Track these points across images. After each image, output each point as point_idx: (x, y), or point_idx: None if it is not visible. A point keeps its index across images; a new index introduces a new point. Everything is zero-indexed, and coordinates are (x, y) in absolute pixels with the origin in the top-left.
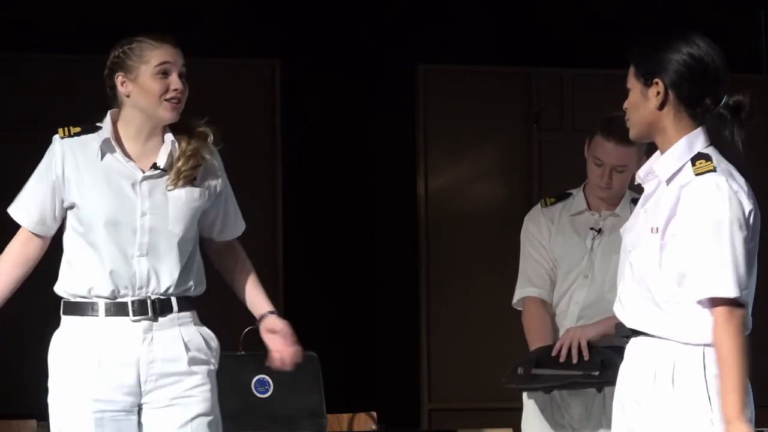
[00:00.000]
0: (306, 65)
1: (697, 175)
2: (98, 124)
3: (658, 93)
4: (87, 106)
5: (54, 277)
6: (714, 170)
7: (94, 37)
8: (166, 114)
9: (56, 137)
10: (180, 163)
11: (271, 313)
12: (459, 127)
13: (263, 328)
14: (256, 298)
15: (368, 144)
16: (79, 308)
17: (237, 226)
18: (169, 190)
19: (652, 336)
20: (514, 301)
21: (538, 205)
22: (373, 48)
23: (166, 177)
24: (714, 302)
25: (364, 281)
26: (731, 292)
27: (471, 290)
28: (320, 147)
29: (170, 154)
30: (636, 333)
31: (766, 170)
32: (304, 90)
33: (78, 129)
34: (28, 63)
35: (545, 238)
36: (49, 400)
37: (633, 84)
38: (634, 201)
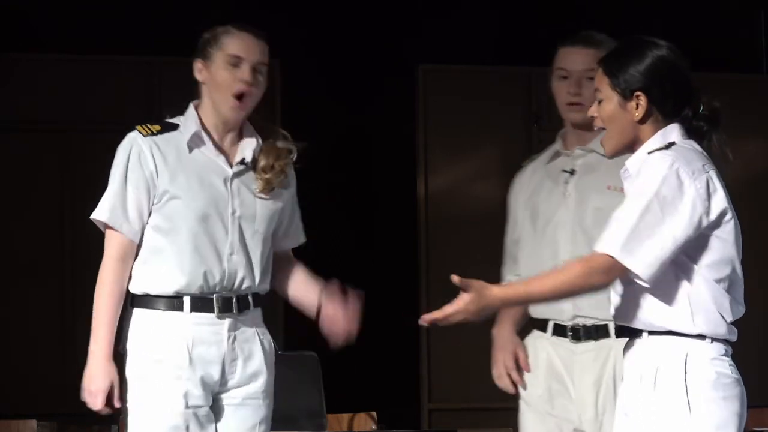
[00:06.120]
0: (306, 65)
1: (648, 154)
2: (174, 121)
3: (638, 106)
4: (87, 106)
5: (52, 275)
6: (665, 149)
7: (95, 37)
8: (229, 113)
9: (137, 135)
10: (270, 175)
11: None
12: (459, 127)
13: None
14: (312, 289)
15: (368, 144)
16: (161, 302)
17: (298, 237)
18: (256, 194)
19: (635, 328)
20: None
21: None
22: (373, 48)
23: (252, 174)
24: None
25: (364, 281)
26: (613, 251)
27: None
28: (320, 147)
29: (254, 150)
30: (630, 332)
31: (766, 171)
32: (304, 90)
33: (158, 127)
34: (28, 63)
35: (521, 202)
36: (132, 390)
37: (608, 95)
38: None
